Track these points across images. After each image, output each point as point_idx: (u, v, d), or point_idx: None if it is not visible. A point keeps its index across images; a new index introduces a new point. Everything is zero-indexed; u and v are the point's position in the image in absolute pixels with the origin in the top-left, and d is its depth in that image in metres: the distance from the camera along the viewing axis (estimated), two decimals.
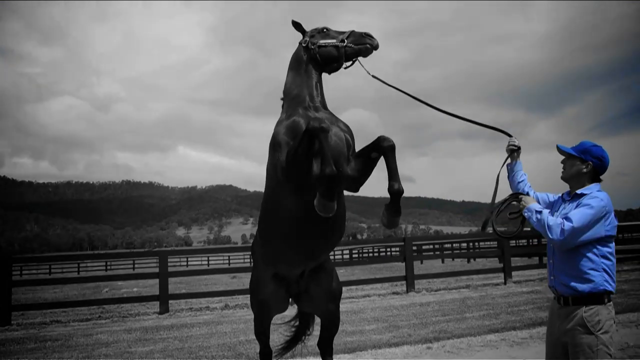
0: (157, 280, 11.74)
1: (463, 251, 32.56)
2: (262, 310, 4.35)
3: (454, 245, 36.37)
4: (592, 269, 3.04)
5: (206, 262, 50.01)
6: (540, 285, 13.28)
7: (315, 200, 3.27)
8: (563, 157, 3.34)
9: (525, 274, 16.31)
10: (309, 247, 3.89)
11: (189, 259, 49.04)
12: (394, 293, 13.22)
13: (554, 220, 3.04)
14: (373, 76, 4.08)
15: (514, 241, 26.08)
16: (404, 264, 13.57)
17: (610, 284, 3.07)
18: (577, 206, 3.11)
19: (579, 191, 3.21)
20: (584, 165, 3.20)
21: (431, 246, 37.05)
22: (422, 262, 28.88)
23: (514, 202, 3.42)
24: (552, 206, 3.41)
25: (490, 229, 3.52)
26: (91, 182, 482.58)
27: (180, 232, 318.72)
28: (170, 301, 11.69)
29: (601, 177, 3.26)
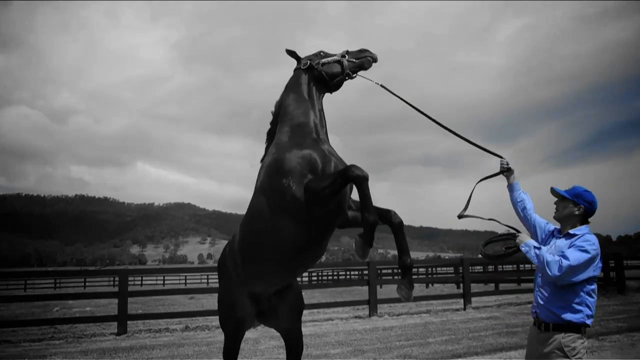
0: (109, 300, 11.39)
1: (421, 276, 32.99)
2: (237, 328, 4.29)
3: (413, 270, 36.75)
4: (577, 302, 3.29)
5: (161, 282, 48.63)
6: (498, 312, 13.61)
7: (354, 244, 3.36)
8: (556, 199, 3.62)
9: (483, 300, 16.67)
10: (296, 269, 4.01)
11: (144, 278, 47.59)
12: (356, 317, 13.25)
13: (552, 258, 3.25)
14: (381, 85, 4.20)
15: (473, 267, 26.70)
16: (365, 287, 13.65)
17: (589, 318, 3.32)
18: (570, 245, 3.35)
19: (571, 231, 3.45)
20: (576, 208, 3.47)
21: (390, 270, 37.39)
22: (381, 287, 29.04)
23: (511, 237, 3.59)
24: (545, 235, 3.66)
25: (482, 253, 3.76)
26: (42, 195, 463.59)
27: (135, 250, 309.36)
28: (127, 322, 11.32)
29: (589, 219, 3.53)
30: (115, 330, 11.01)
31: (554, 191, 3.62)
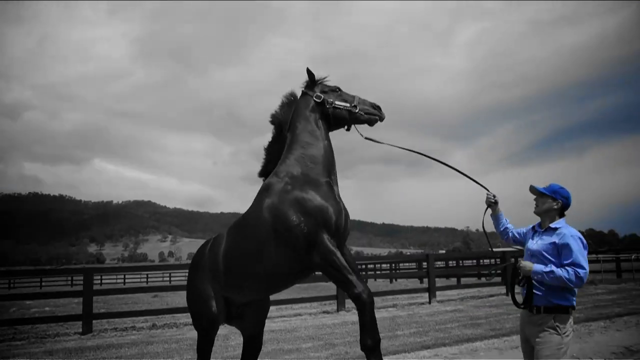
0: (69, 300, 11.13)
1: (385, 272, 33.54)
2: (213, 323, 4.32)
3: (376, 265, 37.41)
4: (564, 289, 3.60)
5: (122, 280, 47.60)
6: (461, 305, 14.01)
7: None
8: (535, 196, 3.91)
9: (446, 293, 17.12)
10: (275, 289, 4.24)
11: (103, 277, 46.42)
12: (324, 312, 13.39)
13: (567, 273, 3.50)
14: (366, 138, 4.28)
15: (442, 263, 27.29)
16: (332, 283, 13.77)
17: (574, 301, 3.65)
18: (553, 237, 3.69)
19: (552, 225, 3.78)
20: (554, 203, 3.80)
21: (359, 266, 37.71)
22: None
23: (517, 269, 3.80)
24: (525, 236, 4.00)
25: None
26: None
27: (92, 248, 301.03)
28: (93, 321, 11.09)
29: (565, 213, 3.86)
30: (80, 330, 10.78)
31: (533, 189, 3.90)
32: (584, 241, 3.65)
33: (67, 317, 11.67)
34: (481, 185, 4.22)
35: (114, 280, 47.46)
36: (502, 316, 11.09)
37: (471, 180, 4.29)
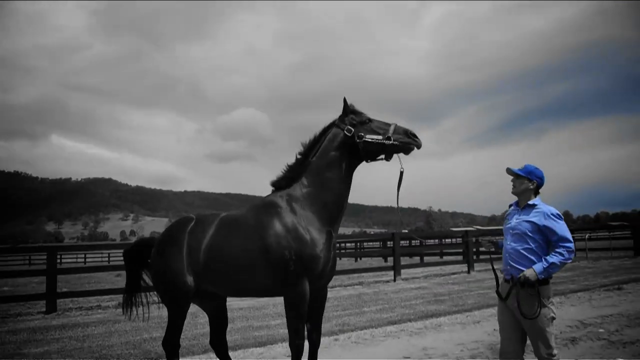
0: (28, 279, 10.90)
1: (350, 250, 34.00)
2: (187, 297, 4.37)
3: (342, 244, 37.86)
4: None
5: (82, 259, 46.52)
6: (425, 282, 14.42)
7: None
8: (512, 177, 4.12)
9: (410, 272, 17.57)
10: (245, 295, 4.65)
11: (63, 256, 45.27)
12: None
13: (561, 255, 3.77)
14: (401, 172, 4.27)
15: (406, 242, 27.84)
16: None
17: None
18: (532, 213, 3.94)
19: (530, 202, 4.02)
20: (530, 183, 4.03)
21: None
22: None
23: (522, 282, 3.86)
24: (509, 217, 4.20)
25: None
26: None
27: (50, 227, 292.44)
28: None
29: (540, 191, 4.11)
30: (44, 309, 10.58)
31: (510, 171, 4.11)
32: (560, 215, 3.90)
33: (29, 296, 11.44)
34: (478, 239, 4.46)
35: (74, 260, 46.37)
36: (464, 293, 11.50)
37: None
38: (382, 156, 4.24)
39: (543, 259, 3.81)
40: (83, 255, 46.83)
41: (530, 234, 3.89)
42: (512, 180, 4.14)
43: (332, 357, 6.04)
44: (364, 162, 4.36)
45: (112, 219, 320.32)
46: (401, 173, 4.22)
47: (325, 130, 4.38)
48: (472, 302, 10.09)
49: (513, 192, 4.14)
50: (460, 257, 20.03)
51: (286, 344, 6.90)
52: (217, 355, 4.86)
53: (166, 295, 4.48)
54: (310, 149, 4.36)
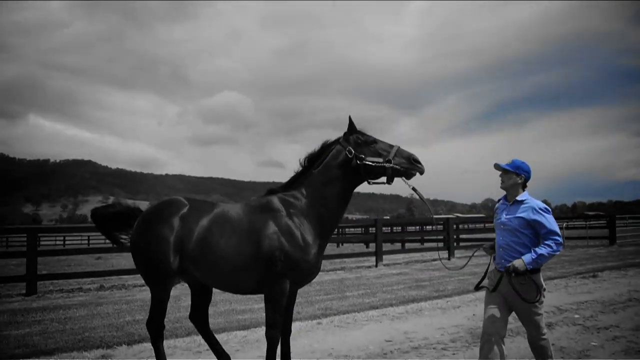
0: (5, 260, 10.78)
1: (333, 236, 34.17)
2: (170, 280, 4.39)
3: None
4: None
5: (61, 242, 45.95)
6: (406, 268, 14.62)
7: None
8: (500, 172, 4.22)
9: (391, 257, 17.76)
10: (231, 290, 4.63)
11: (41, 238, 44.61)
12: None
13: (549, 247, 3.91)
14: (413, 189, 4.28)
15: (387, 228, 28.14)
16: None
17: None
18: (521, 209, 4.06)
19: (519, 198, 4.14)
20: (518, 178, 4.14)
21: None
22: None
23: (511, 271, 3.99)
24: (498, 211, 4.30)
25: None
26: None
27: (28, 209, 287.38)
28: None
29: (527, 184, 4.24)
30: (23, 291, 10.49)
31: (498, 166, 4.21)
32: (548, 209, 4.05)
33: (9, 278, 11.30)
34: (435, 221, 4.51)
35: (53, 242, 45.80)
36: (445, 279, 11.70)
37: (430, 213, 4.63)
38: (384, 178, 4.27)
39: (532, 250, 3.95)
40: (62, 238, 46.29)
41: (520, 229, 4.04)
42: (501, 176, 4.24)
43: (315, 341, 6.13)
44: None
45: (91, 202, 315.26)
46: (414, 189, 4.27)
47: (329, 146, 4.42)
48: (452, 287, 10.28)
49: (502, 187, 4.24)
50: (441, 244, 20.33)
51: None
52: (198, 330, 4.88)
53: (149, 274, 4.45)
54: (313, 161, 4.42)
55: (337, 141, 4.42)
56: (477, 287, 4.36)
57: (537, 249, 3.94)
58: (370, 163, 4.18)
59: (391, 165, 4.13)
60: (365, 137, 4.31)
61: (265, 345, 4.26)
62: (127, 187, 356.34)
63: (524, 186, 4.21)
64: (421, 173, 4.20)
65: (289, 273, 4.13)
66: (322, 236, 4.31)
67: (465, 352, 5.44)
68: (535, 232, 4.03)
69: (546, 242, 3.94)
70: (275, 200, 4.33)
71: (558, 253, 3.98)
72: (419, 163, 4.18)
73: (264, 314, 7.89)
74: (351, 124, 4.38)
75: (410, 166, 4.15)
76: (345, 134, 4.41)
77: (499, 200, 4.40)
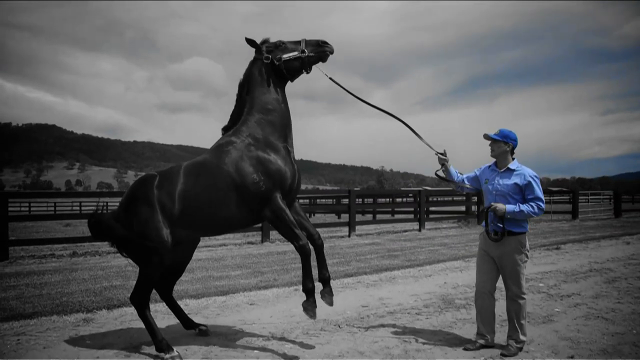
0: None
1: (305, 206, 34.45)
2: (166, 251, 4.41)
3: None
4: (521, 220, 4.43)
5: (26, 208, 44.87)
6: (378, 239, 14.95)
7: (303, 309, 4.39)
8: (490, 142, 4.54)
9: (363, 228, 18.12)
10: (223, 232, 4.92)
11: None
12: (249, 243, 13.75)
13: (532, 207, 4.32)
14: (330, 79, 4.66)
15: (359, 200, 28.50)
16: None
17: (527, 227, 4.53)
18: (514, 178, 4.42)
19: (511, 166, 4.49)
20: (506, 146, 4.49)
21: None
22: None
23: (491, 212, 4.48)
24: (481, 175, 4.69)
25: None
26: None
27: None
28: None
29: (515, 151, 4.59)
30: None
31: (487, 136, 4.55)
32: (537, 176, 4.44)
33: None
34: (429, 146, 4.80)
35: (18, 208, 44.67)
36: (416, 249, 12.04)
37: (421, 140, 4.81)
38: (302, 71, 4.58)
39: (517, 205, 4.35)
40: (27, 204, 45.20)
41: (512, 194, 4.42)
42: (490, 145, 4.57)
43: (293, 306, 6.30)
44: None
45: (56, 168, 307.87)
46: (331, 79, 4.68)
47: (250, 68, 4.68)
48: (423, 257, 10.61)
49: (492, 155, 4.59)
50: (411, 216, 20.78)
51: (247, 293, 7.13)
52: (161, 297, 5.13)
53: (143, 253, 4.43)
54: (243, 86, 4.67)
55: (253, 61, 4.69)
56: (481, 213, 4.72)
57: (520, 205, 4.33)
58: (288, 58, 4.49)
59: (306, 54, 4.48)
60: (272, 43, 4.63)
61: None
62: (93, 153, 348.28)
63: (512, 153, 4.54)
64: (332, 52, 4.53)
65: (274, 188, 4.30)
66: (283, 139, 4.56)
67: (438, 317, 5.71)
68: (523, 197, 4.41)
69: (531, 203, 4.34)
70: (230, 135, 4.58)
71: (537, 216, 4.37)
72: (327, 44, 4.52)
73: (242, 280, 8.04)
74: (251, 42, 4.63)
75: (322, 49, 4.50)
76: (256, 50, 4.67)
77: (487, 166, 4.71)
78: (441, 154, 4.75)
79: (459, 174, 4.86)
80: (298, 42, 4.55)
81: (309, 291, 4.41)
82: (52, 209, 44.71)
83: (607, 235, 14.92)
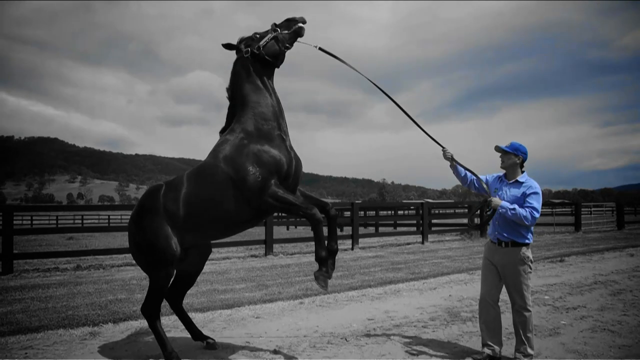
0: None
1: (305, 219, 34.37)
2: (174, 261, 4.47)
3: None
4: (524, 230, 4.50)
5: (28, 221, 44.85)
6: (382, 251, 14.93)
7: (315, 279, 4.31)
8: (500, 154, 4.66)
9: (366, 241, 18.10)
10: (229, 233, 4.72)
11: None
12: (252, 256, 13.74)
13: (525, 212, 4.35)
14: (320, 48, 4.64)
15: (361, 212, 28.49)
16: (263, 228, 14.11)
17: (531, 239, 4.57)
18: (524, 192, 4.49)
19: (519, 179, 4.58)
20: (517, 159, 4.58)
21: (276, 213, 38.32)
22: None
23: (487, 204, 4.58)
24: (491, 184, 4.76)
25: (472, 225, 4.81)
26: None
27: None
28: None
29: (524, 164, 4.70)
30: (0, 270, 10.34)
31: (498, 148, 4.66)
32: (540, 191, 4.53)
33: None
34: (436, 142, 4.94)
35: (20, 221, 44.65)
36: (420, 262, 12.03)
37: (427, 135, 4.93)
38: (282, 50, 4.54)
39: (515, 205, 4.41)
40: (30, 217, 45.23)
41: (517, 204, 4.48)
42: (501, 157, 4.66)
43: (299, 319, 6.31)
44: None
45: (58, 181, 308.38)
46: (320, 48, 4.62)
47: (234, 67, 4.69)
48: (427, 270, 10.60)
49: (502, 167, 4.68)
50: (414, 228, 20.79)
51: (252, 307, 7.13)
52: (171, 307, 5.17)
53: (153, 263, 4.50)
54: (232, 86, 4.68)
55: (235, 61, 4.70)
56: (471, 226, 4.72)
57: (517, 206, 4.39)
58: (265, 42, 4.48)
59: (281, 33, 4.49)
60: (247, 37, 4.65)
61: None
62: (95, 166, 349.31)
63: (521, 166, 4.64)
64: (304, 22, 4.54)
65: (269, 175, 4.25)
66: (277, 127, 4.51)
67: (445, 330, 5.72)
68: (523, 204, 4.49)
69: (526, 208, 4.39)
70: (225, 136, 4.60)
71: (526, 223, 4.36)
72: (295, 17, 4.53)
73: (246, 294, 8.04)
74: (227, 46, 4.68)
75: (293, 25, 4.51)
76: (236, 51, 4.69)
77: (498, 177, 4.78)
78: (448, 151, 4.90)
79: (465, 171, 4.91)
80: (269, 29, 4.58)
81: (321, 260, 4.34)
82: (54, 222, 44.71)
83: (611, 247, 14.90)
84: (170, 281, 4.66)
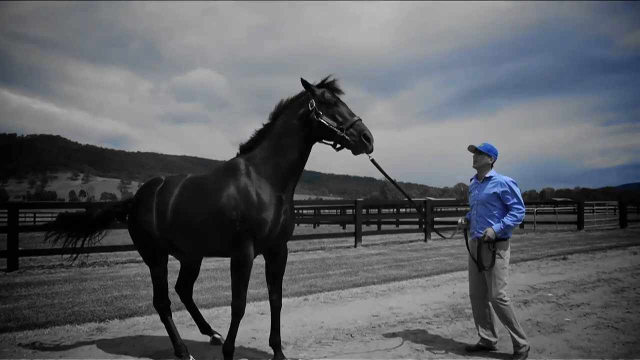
0: None
1: (310, 217, 34.47)
2: (163, 258, 4.73)
3: (300, 211, 38.25)
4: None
5: (31, 218, 44.95)
6: (384, 249, 14.96)
7: None
8: (474, 153, 4.82)
9: (369, 238, 18.11)
10: (204, 255, 4.99)
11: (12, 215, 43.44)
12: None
13: (514, 217, 4.55)
14: (372, 160, 4.13)
15: (363, 210, 28.57)
16: None
17: (510, 234, 4.71)
18: (491, 185, 4.70)
19: (487, 175, 4.78)
20: (489, 159, 4.80)
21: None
22: None
23: (485, 240, 4.64)
24: (471, 189, 4.92)
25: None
26: None
27: None
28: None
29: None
30: (4, 267, 10.40)
31: (472, 147, 4.83)
32: (514, 182, 4.68)
33: None
34: (437, 231, 5.52)
35: (22, 218, 44.73)
36: (423, 259, 12.06)
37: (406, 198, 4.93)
38: (332, 143, 4.15)
39: (501, 221, 4.55)
40: (32, 215, 45.32)
41: (491, 201, 4.67)
42: (474, 156, 4.83)
43: (304, 315, 6.35)
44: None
45: (60, 178, 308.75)
46: (373, 161, 4.13)
47: (297, 97, 4.29)
48: (430, 267, 10.63)
49: (474, 167, 4.86)
50: (416, 226, 20.81)
51: (257, 303, 7.16)
52: (182, 300, 5.29)
53: (144, 255, 4.83)
54: (278, 113, 4.32)
55: (304, 92, 4.24)
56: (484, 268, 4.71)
57: (504, 220, 4.55)
58: (324, 123, 4.04)
59: (342, 134, 3.99)
60: (330, 97, 4.13)
61: (271, 315, 4.59)
62: (97, 164, 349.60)
63: (492, 165, 4.83)
64: (367, 152, 4.01)
65: (248, 234, 4.02)
66: (282, 188, 4.21)
67: (449, 326, 5.75)
68: (503, 204, 4.65)
69: (511, 212, 4.56)
70: (239, 160, 4.31)
71: (520, 221, 4.54)
72: (369, 142, 3.98)
73: (251, 290, 8.05)
74: (326, 80, 4.21)
75: (359, 141, 3.97)
76: (316, 86, 4.20)
77: (471, 179, 5.00)
78: (463, 223, 5.04)
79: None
80: (351, 116, 4.05)
81: (227, 353, 4.23)
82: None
83: (614, 246, 14.90)
84: (164, 272, 4.79)
